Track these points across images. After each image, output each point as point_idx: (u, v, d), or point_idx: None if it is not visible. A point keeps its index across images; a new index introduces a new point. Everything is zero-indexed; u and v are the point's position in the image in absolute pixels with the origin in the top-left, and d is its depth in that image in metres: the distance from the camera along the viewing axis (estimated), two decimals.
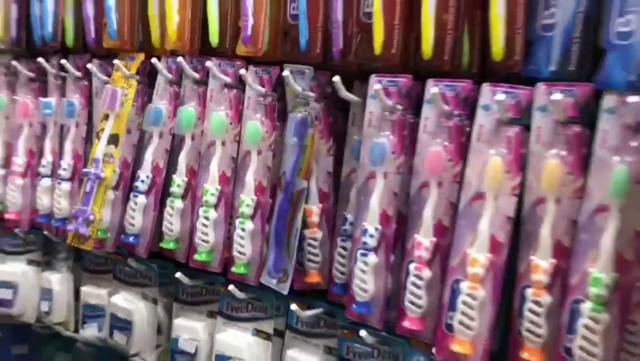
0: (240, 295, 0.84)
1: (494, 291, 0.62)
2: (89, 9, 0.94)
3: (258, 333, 0.85)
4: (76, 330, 1.06)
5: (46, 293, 1.06)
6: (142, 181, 0.89)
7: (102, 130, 0.91)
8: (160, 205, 0.89)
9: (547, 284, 0.59)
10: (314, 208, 0.78)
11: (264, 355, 0.85)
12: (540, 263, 0.59)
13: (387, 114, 0.69)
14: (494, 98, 0.62)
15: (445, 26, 0.64)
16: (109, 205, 0.91)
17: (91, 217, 0.88)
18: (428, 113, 0.67)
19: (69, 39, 0.98)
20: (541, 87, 0.60)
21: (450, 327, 0.64)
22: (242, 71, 0.78)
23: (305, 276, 0.80)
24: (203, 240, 0.84)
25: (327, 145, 0.78)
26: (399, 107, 0.69)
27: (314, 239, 0.78)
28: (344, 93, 0.73)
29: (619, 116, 0.55)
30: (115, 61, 0.90)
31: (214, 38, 0.82)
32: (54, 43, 0.99)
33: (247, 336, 0.86)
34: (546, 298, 0.59)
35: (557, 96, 0.57)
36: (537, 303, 0.59)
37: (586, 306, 0.55)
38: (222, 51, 0.83)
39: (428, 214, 0.66)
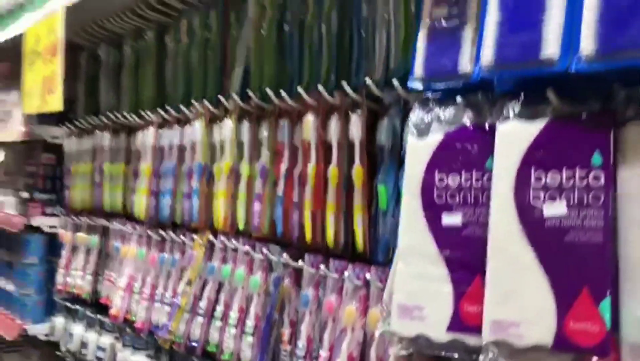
0: None
1: None
2: (186, 202, 1.60)
3: None
4: None
5: None
6: (201, 309, 1.47)
7: (184, 276, 1.54)
8: (210, 323, 1.46)
9: None
10: None
11: None
12: None
13: None
14: None
15: None
16: (183, 322, 1.50)
17: (170, 328, 1.49)
18: None
19: (178, 219, 1.65)
20: None
21: None
22: (234, 241, 1.36)
23: None
24: (226, 348, 1.38)
25: None
26: None
27: None
28: None
29: None
30: (195, 235, 1.54)
31: (241, 225, 1.42)
32: (168, 221, 1.66)
33: None
34: None
35: None
36: None
37: None
38: (246, 232, 1.42)
39: None
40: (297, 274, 1.29)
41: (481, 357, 0.80)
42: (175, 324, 1.49)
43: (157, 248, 1.71)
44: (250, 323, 1.35)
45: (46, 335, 2.21)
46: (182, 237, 1.60)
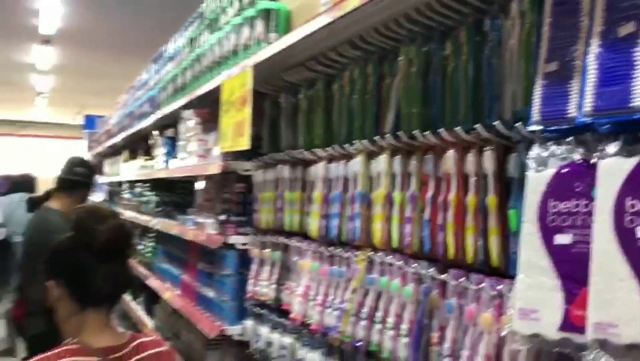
0: None
1: None
2: (350, 223, 1.90)
3: None
4: None
5: None
6: (364, 312, 1.75)
7: (349, 286, 1.83)
8: (371, 325, 1.73)
9: None
10: None
11: None
12: None
13: None
14: None
15: None
16: (350, 324, 1.79)
17: (339, 330, 1.78)
18: None
19: (344, 238, 1.96)
20: None
21: None
22: (389, 257, 1.62)
23: None
24: (386, 347, 1.64)
25: None
26: None
27: None
28: None
29: None
30: (357, 252, 1.83)
31: (394, 243, 1.68)
32: (336, 239, 1.98)
33: None
34: None
35: None
36: None
37: None
38: (400, 249, 1.68)
39: None
40: (443, 286, 1.52)
41: (587, 353, 0.97)
42: (343, 326, 1.79)
43: (328, 262, 2.04)
44: (404, 326, 1.60)
45: (239, 335, 2.65)
46: (347, 253, 1.91)
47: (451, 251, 1.46)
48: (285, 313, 2.27)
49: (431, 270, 1.54)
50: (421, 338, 1.55)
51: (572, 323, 1.00)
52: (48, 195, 4.80)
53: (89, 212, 1.69)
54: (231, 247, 2.70)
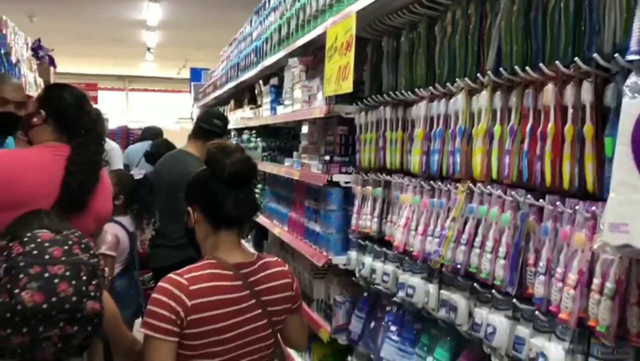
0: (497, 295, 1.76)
1: None
2: (450, 158, 2.04)
3: (508, 316, 1.74)
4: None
5: (426, 294, 2.16)
6: (464, 239, 1.91)
7: (450, 215, 1.99)
8: (470, 250, 1.88)
9: None
10: None
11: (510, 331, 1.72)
12: None
13: None
14: None
15: None
16: (450, 249, 1.96)
17: (440, 253, 1.95)
18: None
19: (444, 172, 2.10)
20: None
21: None
22: (488, 187, 1.75)
23: None
24: (483, 267, 1.79)
25: None
26: None
27: None
28: None
29: None
30: (457, 184, 1.97)
31: (494, 174, 1.80)
32: (437, 173, 2.12)
33: (501, 317, 1.75)
34: None
35: None
36: None
37: None
38: (499, 180, 1.80)
39: None
40: (539, 211, 1.63)
41: None
42: (443, 251, 1.96)
43: (428, 195, 2.19)
44: (502, 250, 1.74)
45: (344, 265, 2.88)
46: (448, 186, 2.05)
47: (548, 179, 1.57)
48: (387, 244, 2.47)
49: (528, 197, 1.66)
50: (518, 259, 1.69)
51: None
52: (166, 143, 5.32)
53: (219, 147, 1.94)
54: (335, 184, 2.91)
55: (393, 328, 2.41)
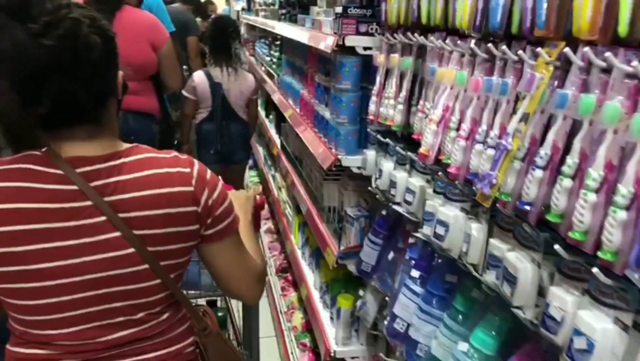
0: (605, 280, 0.87)
1: None
2: (528, 1, 1.06)
3: (617, 321, 0.87)
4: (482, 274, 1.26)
5: (467, 237, 1.29)
6: (541, 157, 0.99)
7: (518, 108, 1.05)
8: (554, 181, 0.98)
9: None
10: None
11: (619, 345, 0.86)
12: None
13: None
14: None
15: None
16: (512, 174, 1.05)
17: (494, 181, 1.05)
18: None
19: (514, 28, 1.14)
20: None
21: None
22: (608, 54, 0.79)
23: None
24: (579, 220, 0.89)
25: None
26: None
27: None
28: None
29: None
30: (539, 49, 1.01)
31: (622, 28, 0.84)
32: (500, 31, 1.16)
33: (607, 322, 0.88)
34: None
35: None
36: None
37: None
38: (630, 41, 0.84)
39: None
40: None
41: None
42: (501, 175, 1.05)
43: (483, 70, 1.25)
44: (625, 191, 0.82)
45: (358, 168, 2.03)
46: (519, 52, 1.10)
47: None
48: (416, 145, 1.57)
49: None
50: None
51: None
52: None
53: None
54: (351, 51, 1.98)
55: (415, 273, 1.59)
